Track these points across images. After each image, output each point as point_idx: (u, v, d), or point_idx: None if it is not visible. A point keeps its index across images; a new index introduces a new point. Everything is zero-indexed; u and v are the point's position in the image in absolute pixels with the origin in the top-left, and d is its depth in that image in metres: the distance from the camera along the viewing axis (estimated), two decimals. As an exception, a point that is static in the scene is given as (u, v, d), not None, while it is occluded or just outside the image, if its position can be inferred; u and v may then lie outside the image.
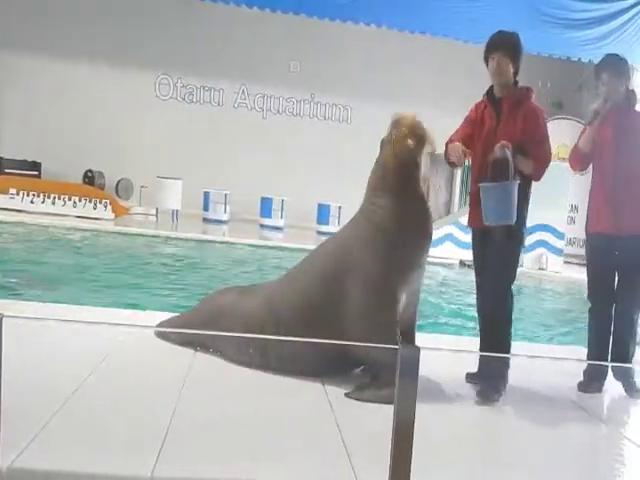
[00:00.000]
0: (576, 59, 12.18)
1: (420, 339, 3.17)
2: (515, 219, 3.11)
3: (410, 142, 3.05)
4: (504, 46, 3.31)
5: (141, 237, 9.96)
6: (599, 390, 3.52)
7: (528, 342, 5.31)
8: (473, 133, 3.39)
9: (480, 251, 3.40)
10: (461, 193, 15.54)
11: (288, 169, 13.23)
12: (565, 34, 11.53)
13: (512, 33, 3.36)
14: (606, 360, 3.50)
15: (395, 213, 3.06)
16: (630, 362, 3.49)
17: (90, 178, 12.84)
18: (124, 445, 2.28)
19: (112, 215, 11.30)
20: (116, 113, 13.23)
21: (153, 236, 10.11)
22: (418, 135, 3.09)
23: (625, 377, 3.54)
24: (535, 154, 3.20)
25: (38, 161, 12.81)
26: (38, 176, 12.65)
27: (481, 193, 3.15)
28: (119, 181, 13.09)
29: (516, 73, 3.34)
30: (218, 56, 13.54)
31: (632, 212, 3.47)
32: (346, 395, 2.95)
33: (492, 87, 3.42)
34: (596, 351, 3.54)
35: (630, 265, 3.47)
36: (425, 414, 1.77)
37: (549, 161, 3.23)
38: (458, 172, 15.81)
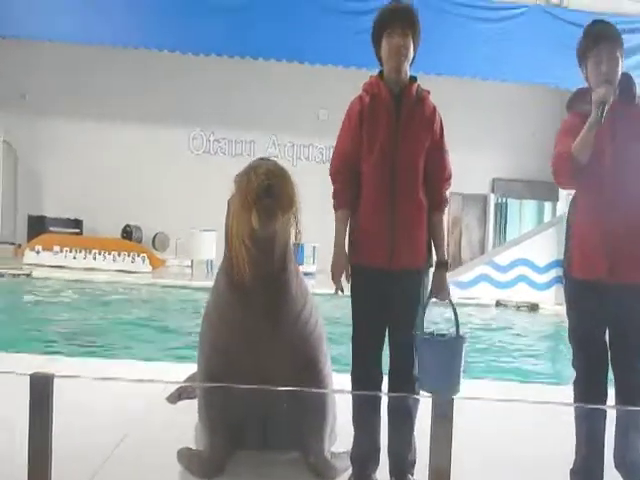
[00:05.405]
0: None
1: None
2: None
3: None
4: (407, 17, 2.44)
5: (178, 288, 10.13)
6: None
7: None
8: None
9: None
10: (495, 231, 15.42)
11: (318, 216, 13.28)
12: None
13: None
14: (600, 454, 2.47)
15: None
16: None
17: (128, 233, 13.22)
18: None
19: (149, 268, 11.55)
20: (152, 170, 13.70)
21: (188, 287, 10.25)
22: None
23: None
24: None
25: (80, 219, 13.30)
26: (80, 233, 13.12)
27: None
28: (155, 235, 13.44)
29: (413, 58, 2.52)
30: (248, 109, 13.98)
31: (633, 252, 2.40)
32: None
33: (381, 72, 2.55)
34: (591, 446, 2.48)
35: (630, 323, 2.44)
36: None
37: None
38: (491, 210, 15.73)
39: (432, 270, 2.52)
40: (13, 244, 12.80)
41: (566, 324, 2.58)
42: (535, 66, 11.22)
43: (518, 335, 8.11)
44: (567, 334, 2.58)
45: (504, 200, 15.23)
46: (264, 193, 2.26)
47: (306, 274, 12.46)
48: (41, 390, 1.60)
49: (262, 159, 2.43)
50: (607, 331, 2.51)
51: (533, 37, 11.19)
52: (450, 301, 2.47)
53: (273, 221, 2.30)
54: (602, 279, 2.41)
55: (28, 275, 10.24)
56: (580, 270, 2.47)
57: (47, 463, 1.61)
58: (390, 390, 2.46)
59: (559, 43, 11.01)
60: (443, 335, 2.39)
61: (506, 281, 10.49)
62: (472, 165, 14.64)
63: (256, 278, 2.42)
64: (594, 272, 2.42)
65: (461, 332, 2.40)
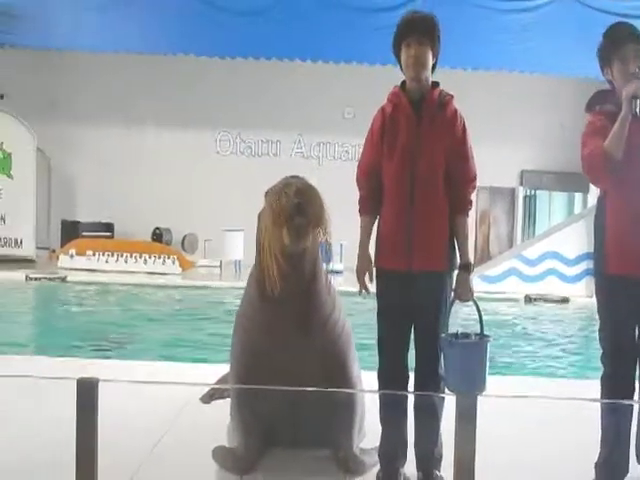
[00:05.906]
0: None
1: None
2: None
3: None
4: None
5: (208, 289, 10.28)
6: None
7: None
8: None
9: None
10: (523, 225, 15.23)
11: (345, 214, 13.25)
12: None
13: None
14: (625, 448, 2.49)
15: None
16: None
17: (158, 235, 13.46)
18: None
19: (179, 269, 11.75)
20: (180, 172, 13.92)
21: (217, 288, 10.36)
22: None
23: None
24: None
25: (111, 222, 13.60)
26: (112, 236, 13.42)
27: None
28: (185, 236, 13.66)
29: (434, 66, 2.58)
30: (274, 109, 14.08)
31: None
32: None
33: (404, 82, 2.59)
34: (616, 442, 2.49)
35: None
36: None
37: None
38: (519, 202, 15.53)
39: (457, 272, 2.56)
40: (48, 249, 13.17)
41: (596, 317, 2.58)
42: (562, 57, 11.00)
43: (548, 329, 8.03)
44: (598, 330, 2.58)
45: (533, 192, 15.02)
46: (295, 211, 2.39)
47: (334, 272, 12.53)
48: (87, 394, 1.68)
49: (292, 177, 2.56)
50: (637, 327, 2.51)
51: (560, 27, 10.95)
52: (474, 301, 2.49)
53: (304, 238, 2.45)
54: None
55: (63, 279, 10.51)
56: (617, 266, 2.46)
57: (93, 463, 1.70)
58: (416, 388, 2.52)
59: (586, 32, 10.74)
60: (467, 335, 2.41)
61: (535, 275, 10.33)
62: (500, 158, 14.49)
63: (287, 291, 2.54)
64: (633, 267, 2.43)
65: (486, 331, 2.43)
